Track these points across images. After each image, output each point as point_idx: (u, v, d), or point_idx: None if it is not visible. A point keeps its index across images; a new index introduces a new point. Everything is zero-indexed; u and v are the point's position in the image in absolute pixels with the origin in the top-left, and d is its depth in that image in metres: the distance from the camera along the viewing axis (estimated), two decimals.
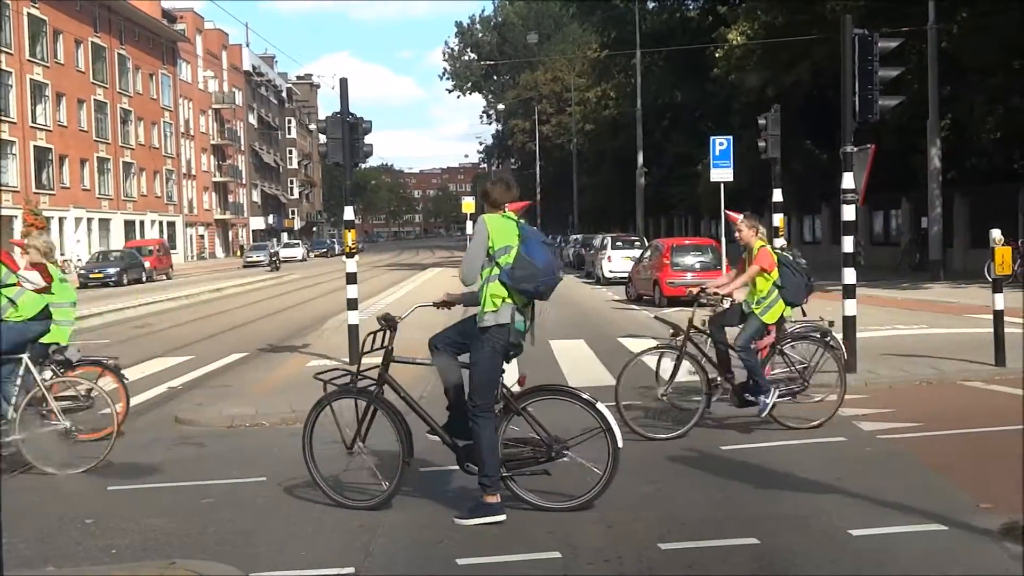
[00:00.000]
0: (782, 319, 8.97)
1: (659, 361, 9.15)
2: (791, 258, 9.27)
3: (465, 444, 6.49)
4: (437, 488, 7.04)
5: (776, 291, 8.82)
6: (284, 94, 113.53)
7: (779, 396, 8.75)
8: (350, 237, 14.45)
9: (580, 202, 69.05)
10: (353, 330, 13.28)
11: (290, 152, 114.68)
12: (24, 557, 5.72)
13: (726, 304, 9.45)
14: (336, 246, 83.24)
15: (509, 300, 6.22)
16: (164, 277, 47.22)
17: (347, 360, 12.79)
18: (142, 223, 68.85)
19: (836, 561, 5.39)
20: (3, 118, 51.20)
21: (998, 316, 11.51)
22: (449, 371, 6.48)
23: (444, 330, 6.60)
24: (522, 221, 6.50)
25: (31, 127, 54.06)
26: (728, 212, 13.01)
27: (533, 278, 6.17)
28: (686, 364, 8.87)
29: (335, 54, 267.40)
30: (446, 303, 6.78)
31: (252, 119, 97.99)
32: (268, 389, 12.00)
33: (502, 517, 6.15)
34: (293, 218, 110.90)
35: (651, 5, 49.51)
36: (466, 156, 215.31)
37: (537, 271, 6.18)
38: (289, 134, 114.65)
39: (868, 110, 11.25)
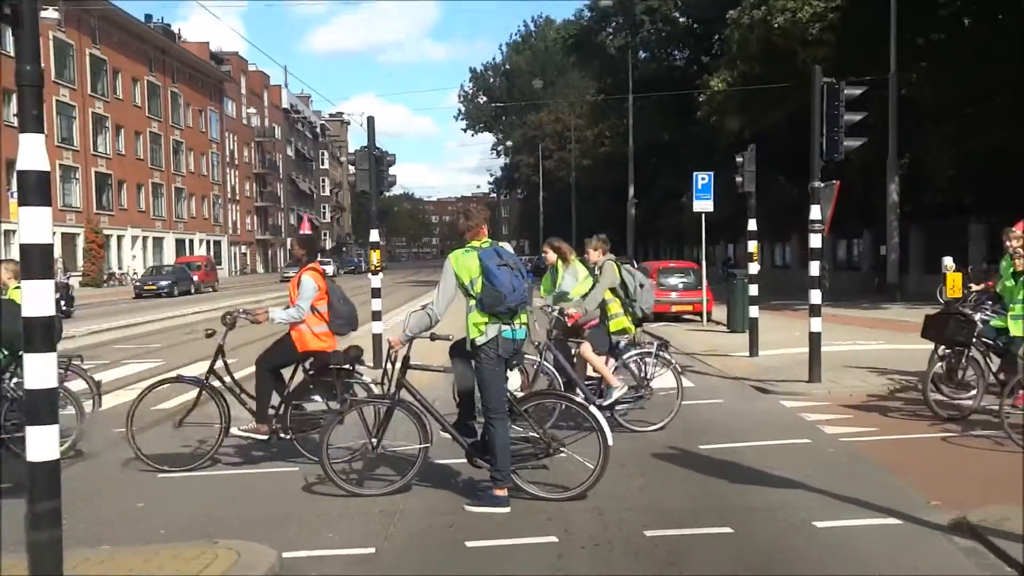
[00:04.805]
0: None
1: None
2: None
3: (472, 441, 6.53)
4: (449, 480, 7.05)
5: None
6: (318, 129, 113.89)
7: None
8: (375, 256, 14.49)
9: (578, 228, 68.90)
10: (377, 339, 13.30)
11: (323, 180, 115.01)
12: (81, 537, 5.72)
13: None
14: (363, 264, 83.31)
15: (494, 320, 6.17)
16: (210, 289, 47.40)
17: (371, 366, 12.78)
18: (191, 241, 69.01)
19: (802, 549, 5.40)
20: (68, 147, 51.49)
21: None
22: (464, 377, 6.52)
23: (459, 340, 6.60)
24: (485, 245, 6.34)
25: (92, 155, 54.31)
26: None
27: (499, 301, 6.10)
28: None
29: (363, 95, 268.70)
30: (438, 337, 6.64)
31: (290, 151, 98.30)
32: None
33: (507, 509, 6.17)
34: (325, 239, 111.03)
35: (642, 55, 49.49)
36: (478, 187, 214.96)
37: (500, 294, 6.10)
38: (322, 165, 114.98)
39: (834, 150, 11.28)
